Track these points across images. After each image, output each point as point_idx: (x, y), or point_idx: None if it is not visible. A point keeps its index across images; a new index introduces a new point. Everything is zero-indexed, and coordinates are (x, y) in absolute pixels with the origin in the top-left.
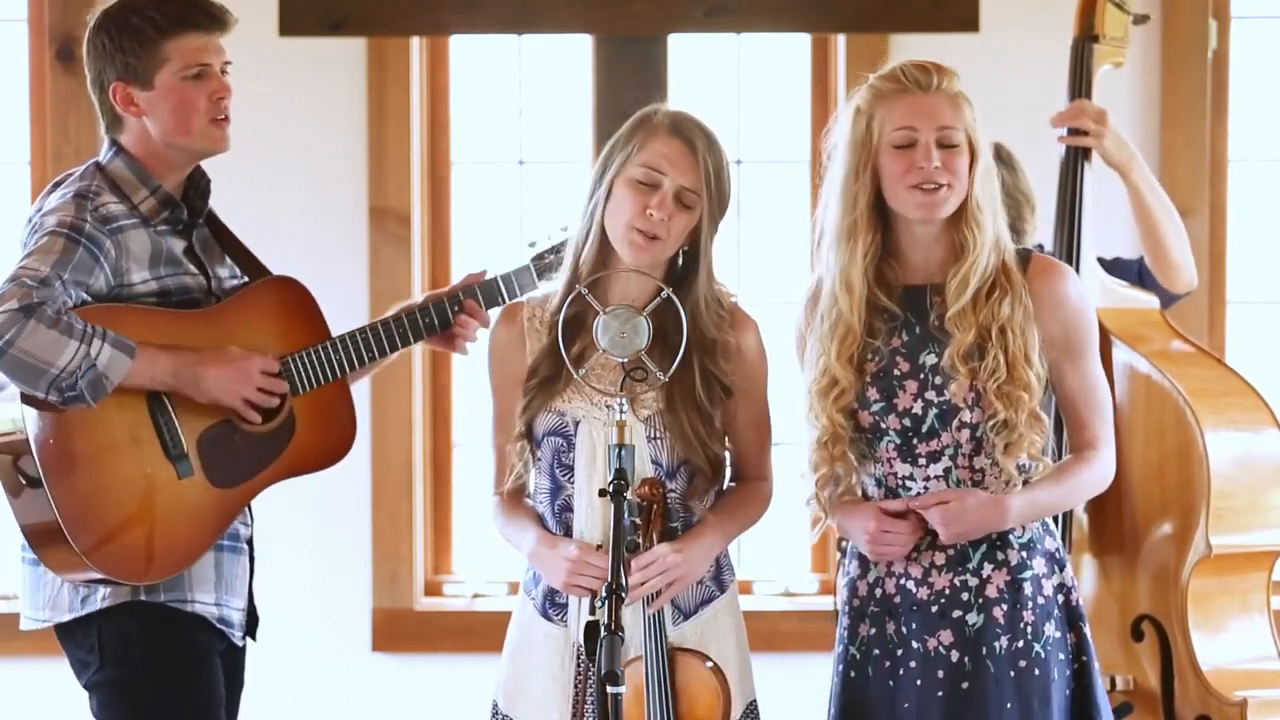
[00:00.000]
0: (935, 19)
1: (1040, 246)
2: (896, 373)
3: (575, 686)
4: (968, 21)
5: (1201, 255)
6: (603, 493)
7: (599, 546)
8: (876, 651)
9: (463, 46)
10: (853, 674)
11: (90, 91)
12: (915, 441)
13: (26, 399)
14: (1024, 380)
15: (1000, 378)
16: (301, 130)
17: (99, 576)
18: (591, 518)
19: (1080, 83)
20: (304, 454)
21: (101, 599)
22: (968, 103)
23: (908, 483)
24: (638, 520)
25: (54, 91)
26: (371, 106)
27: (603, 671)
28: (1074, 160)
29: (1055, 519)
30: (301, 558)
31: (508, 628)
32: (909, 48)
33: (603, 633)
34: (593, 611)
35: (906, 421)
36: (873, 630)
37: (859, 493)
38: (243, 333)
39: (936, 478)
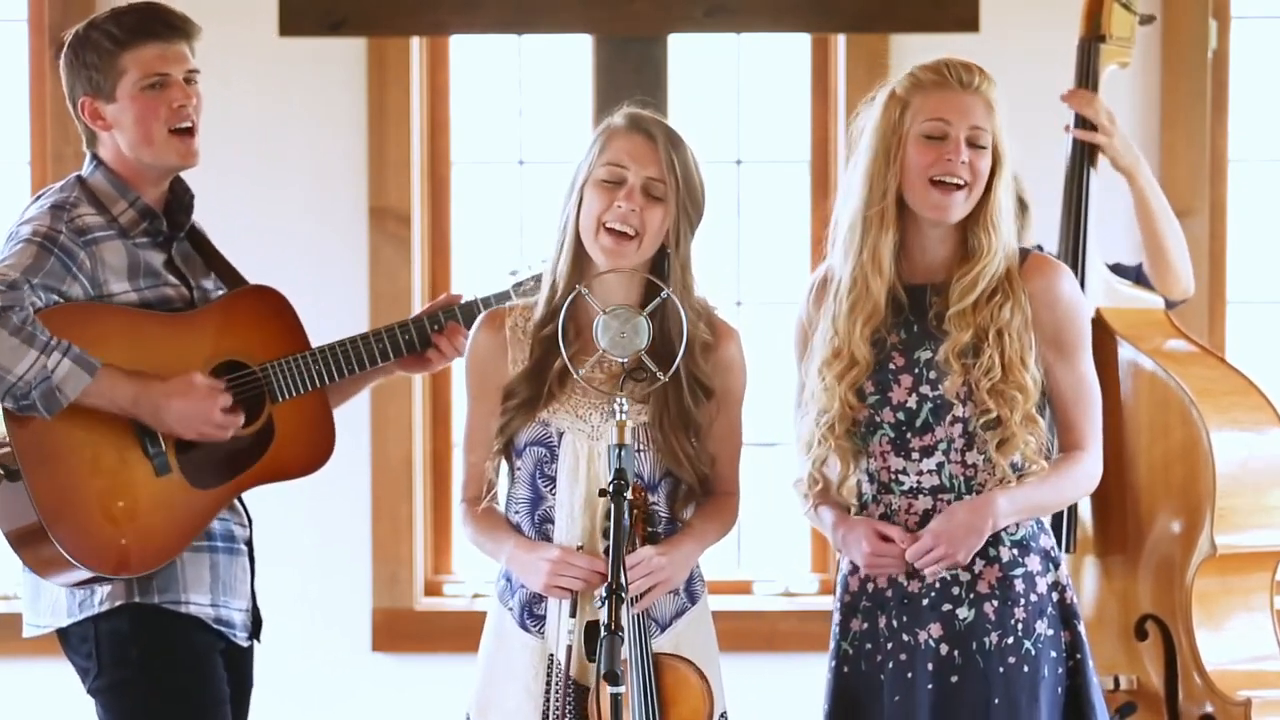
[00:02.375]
0: (935, 19)
1: (1039, 247)
2: (891, 367)
3: (546, 699)
4: (968, 21)
5: (1201, 255)
6: (603, 492)
7: (580, 548)
8: (868, 646)
9: (463, 46)
10: (845, 669)
11: (68, 108)
12: (909, 435)
13: None
14: (1019, 382)
15: (994, 377)
16: (301, 130)
17: (84, 575)
18: (572, 530)
19: (1086, 83)
20: (281, 461)
21: (99, 602)
22: (1000, 110)
23: (901, 477)
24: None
25: (54, 91)
26: (371, 106)
27: (603, 671)
28: (1079, 160)
29: (1057, 519)
30: (301, 558)
31: (481, 637)
32: (909, 48)
33: (603, 632)
34: (573, 614)
35: (901, 415)
36: (864, 625)
37: (853, 491)
38: (220, 339)
39: (930, 472)
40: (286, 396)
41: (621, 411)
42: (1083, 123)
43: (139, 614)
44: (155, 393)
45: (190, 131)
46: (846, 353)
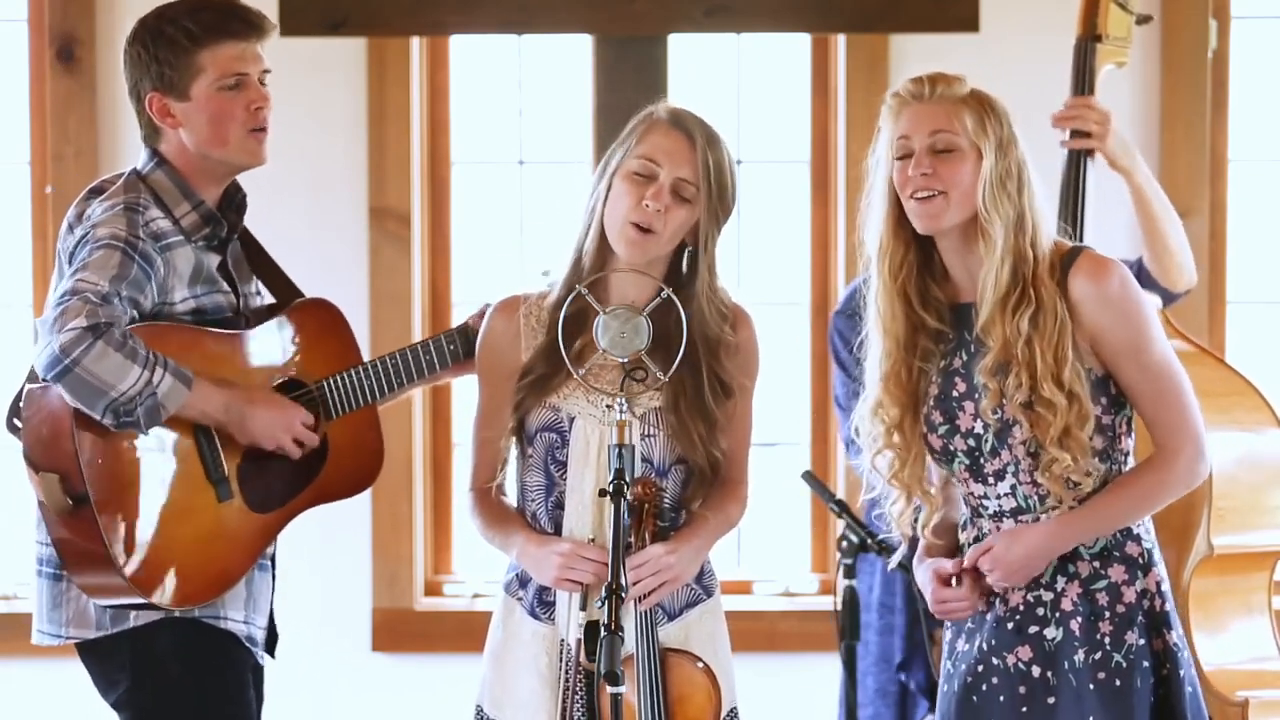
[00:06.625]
0: (935, 19)
1: None
2: (955, 394)
3: (563, 685)
4: (968, 21)
5: (1201, 255)
6: (603, 493)
7: (591, 540)
8: (963, 666)
9: (463, 46)
10: (945, 687)
11: (129, 100)
12: (982, 461)
13: (78, 419)
14: (1048, 400)
15: (1022, 397)
16: (301, 131)
17: (136, 601)
18: (582, 516)
19: (1083, 83)
20: (334, 481)
21: (134, 617)
22: (975, 107)
23: (984, 502)
24: (629, 520)
25: (54, 91)
26: (371, 107)
27: (603, 671)
28: (1077, 160)
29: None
30: (302, 558)
31: (488, 630)
32: (909, 48)
33: (603, 633)
34: (584, 607)
35: (971, 442)
36: (966, 645)
37: (908, 524)
38: (279, 357)
39: (1005, 495)
40: (340, 414)
41: (622, 412)
42: (1076, 131)
43: (177, 629)
44: (242, 401)
45: (263, 133)
46: (874, 394)
